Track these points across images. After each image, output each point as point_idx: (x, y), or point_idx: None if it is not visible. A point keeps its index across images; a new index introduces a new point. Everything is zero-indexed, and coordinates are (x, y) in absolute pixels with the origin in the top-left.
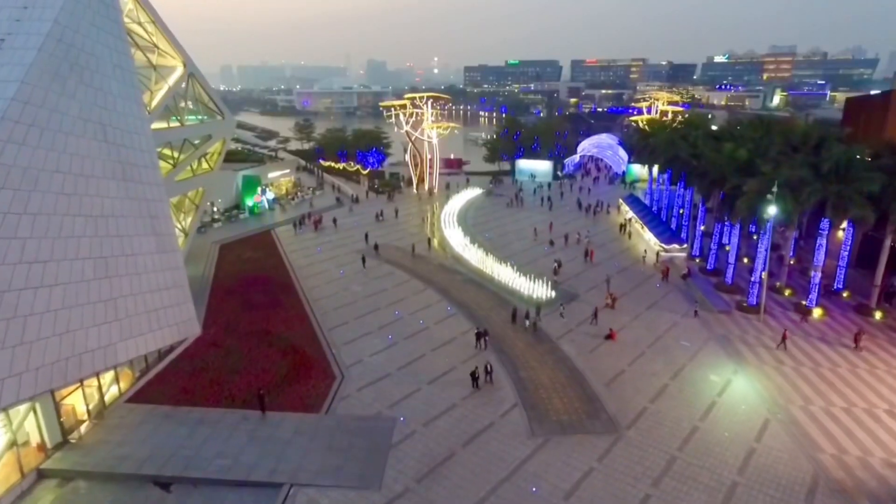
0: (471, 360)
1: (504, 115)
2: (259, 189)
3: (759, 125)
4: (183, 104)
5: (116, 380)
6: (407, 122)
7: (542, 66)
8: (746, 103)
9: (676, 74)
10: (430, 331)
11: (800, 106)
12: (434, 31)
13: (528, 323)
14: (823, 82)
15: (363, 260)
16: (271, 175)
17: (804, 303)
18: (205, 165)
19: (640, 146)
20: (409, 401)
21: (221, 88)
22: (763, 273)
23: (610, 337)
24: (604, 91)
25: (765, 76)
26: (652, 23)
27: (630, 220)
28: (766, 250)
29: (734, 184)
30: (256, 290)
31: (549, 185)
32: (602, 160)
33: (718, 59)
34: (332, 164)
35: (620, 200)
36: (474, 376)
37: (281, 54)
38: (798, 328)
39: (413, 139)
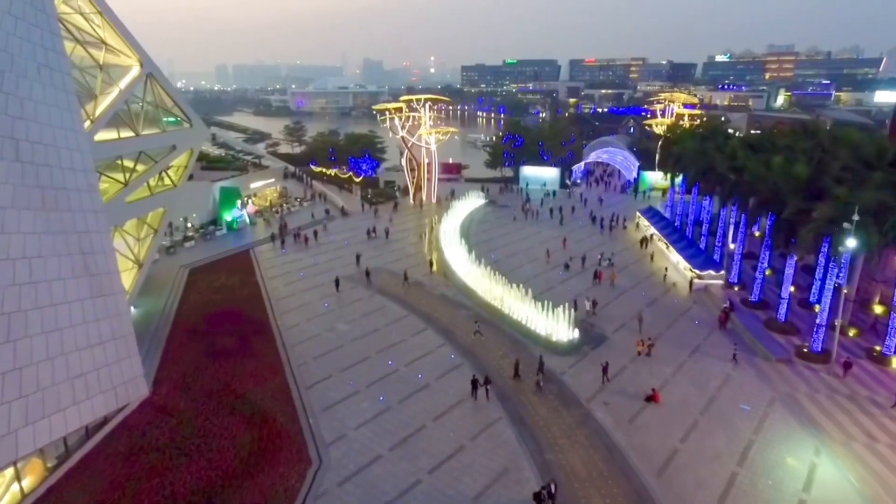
0: (483, 435)
1: (503, 116)
2: (238, 202)
3: (804, 133)
4: (139, 110)
5: (17, 477)
6: (403, 127)
7: (540, 66)
8: (750, 103)
9: (677, 74)
10: (430, 390)
11: (805, 106)
12: (431, 31)
13: (539, 380)
14: (828, 82)
15: (336, 283)
16: (254, 185)
17: (878, 348)
18: (167, 181)
19: (663, 155)
20: (405, 501)
21: (216, 88)
22: (825, 311)
23: (652, 398)
24: (603, 91)
25: (767, 76)
26: (648, 23)
27: (651, 236)
28: (831, 285)
29: (797, 208)
30: (225, 331)
31: (554, 193)
32: (609, 165)
33: (720, 58)
34: (324, 169)
35: (638, 213)
36: (539, 499)
37: (277, 54)
38: (844, 382)
39: (409, 145)
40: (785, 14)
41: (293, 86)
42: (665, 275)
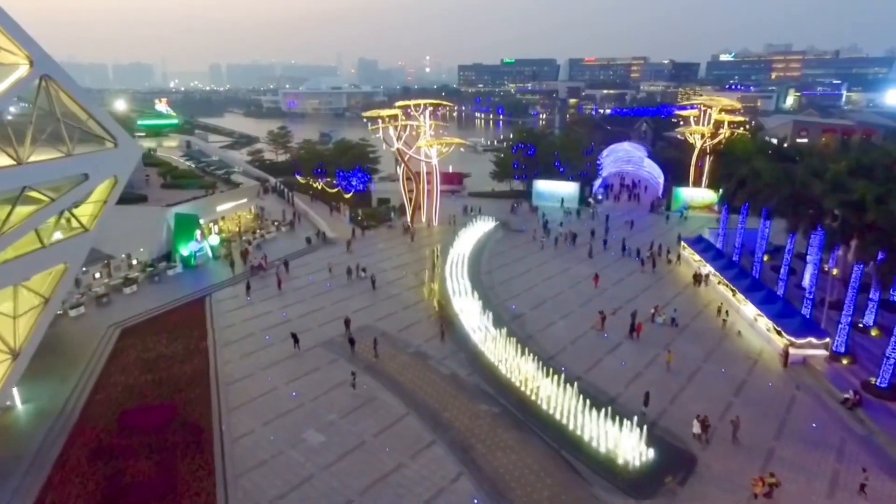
0: None
1: (502, 117)
2: (197, 232)
3: None
4: (27, 126)
5: None
6: (399, 138)
7: (538, 65)
8: (759, 104)
9: (679, 73)
10: None
11: (818, 107)
12: (426, 30)
13: None
14: (839, 82)
15: (295, 340)
16: (221, 207)
17: None
18: (74, 224)
19: (722, 176)
20: None
21: (207, 88)
22: None
23: None
24: (605, 91)
25: (773, 75)
26: (644, 22)
27: (707, 276)
28: None
29: None
30: (144, 446)
31: (578, 212)
32: (624, 177)
33: (724, 57)
34: (310, 180)
35: (683, 244)
36: None
37: (271, 53)
38: None
39: (406, 159)
40: (781, 14)
41: (287, 86)
42: (724, 320)
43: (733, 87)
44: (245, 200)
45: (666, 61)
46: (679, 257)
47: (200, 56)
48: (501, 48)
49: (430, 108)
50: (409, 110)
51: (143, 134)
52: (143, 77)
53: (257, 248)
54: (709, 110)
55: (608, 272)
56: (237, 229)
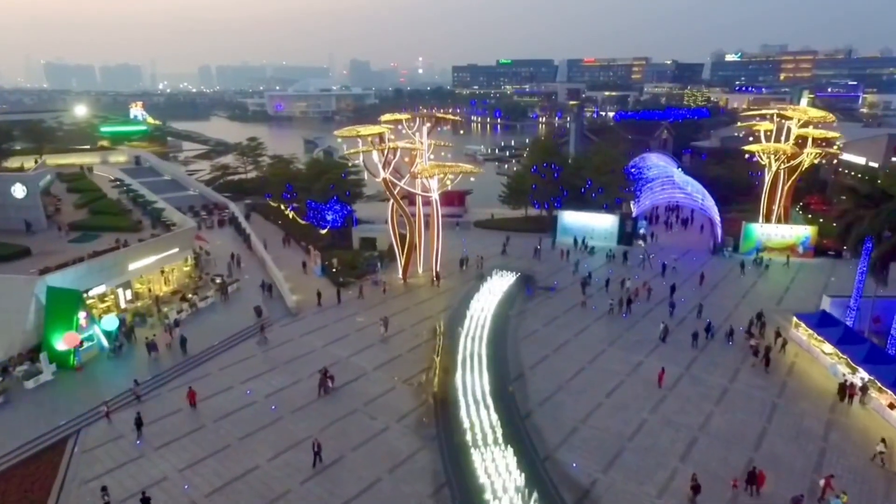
0: None
1: (500, 121)
2: (82, 315)
3: None
4: None
5: None
6: (386, 164)
7: (536, 66)
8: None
9: (682, 74)
10: None
11: (840, 110)
12: (420, 31)
13: None
14: (855, 83)
15: None
16: (137, 265)
17: None
18: None
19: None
20: None
21: (193, 90)
22: None
23: None
24: (606, 93)
25: (781, 76)
26: (640, 23)
27: (865, 389)
28: None
29: None
30: None
31: (626, 255)
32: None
33: (730, 57)
34: (282, 205)
35: (796, 321)
36: None
37: (262, 54)
38: None
39: (396, 191)
40: (777, 14)
41: (277, 87)
42: None
43: (742, 88)
44: (176, 250)
45: (668, 62)
46: (780, 339)
47: (190, 57)
48: (497, 49)
49: (429, 124)
50: (399, 126)
51: (88, 147)
52: (131, 79)
53: (174, 326)
54: (787, 122)
55: (699, 373)
56: (162, 291)
